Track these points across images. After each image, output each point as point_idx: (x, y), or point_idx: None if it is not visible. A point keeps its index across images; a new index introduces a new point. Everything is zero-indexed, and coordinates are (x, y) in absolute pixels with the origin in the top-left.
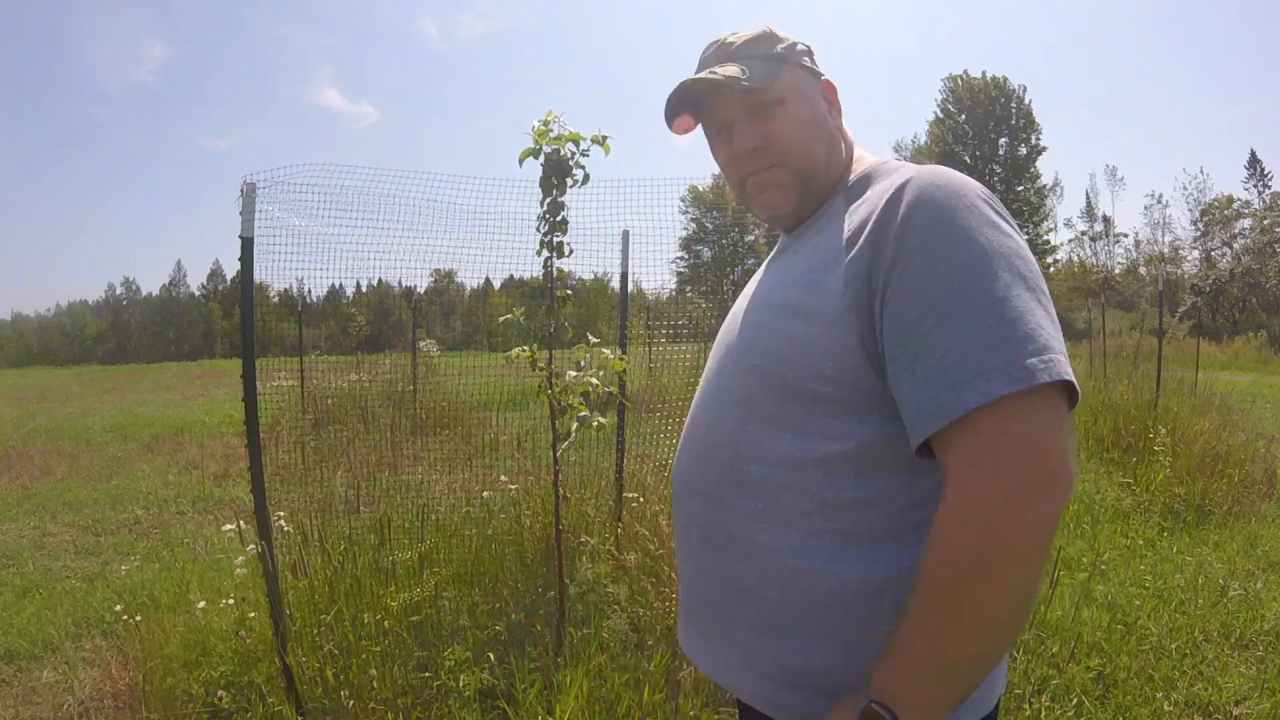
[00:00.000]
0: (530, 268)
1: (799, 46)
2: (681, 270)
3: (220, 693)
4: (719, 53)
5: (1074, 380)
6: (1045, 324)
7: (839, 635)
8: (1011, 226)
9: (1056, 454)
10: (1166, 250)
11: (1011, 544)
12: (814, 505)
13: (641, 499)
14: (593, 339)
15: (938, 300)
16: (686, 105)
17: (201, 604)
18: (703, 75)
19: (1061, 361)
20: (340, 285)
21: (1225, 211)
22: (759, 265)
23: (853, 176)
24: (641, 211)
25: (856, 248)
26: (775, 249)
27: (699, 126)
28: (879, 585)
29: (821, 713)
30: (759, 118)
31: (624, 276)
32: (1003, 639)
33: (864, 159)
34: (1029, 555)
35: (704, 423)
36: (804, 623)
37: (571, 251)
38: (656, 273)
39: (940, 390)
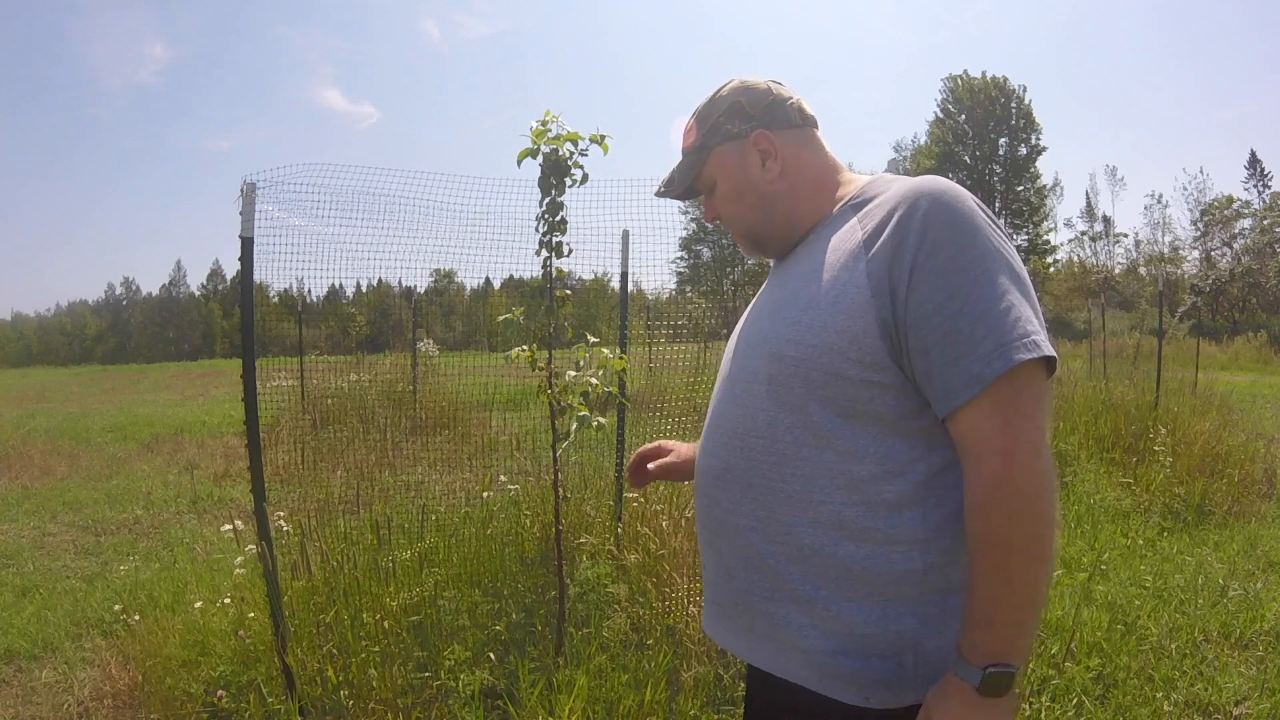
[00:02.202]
0: (530, 268)
1: (726, 113)
2: (681, 270)
3: (220, 692)
4: (682, 144)
5: (1056, 355)
6: (1034, 313)
7: (878, 596)
8: (1000, 230)
9: (1048, 408)
10: (1166, 250)
11: (1045, 484)
12: (846, 481)
13: (642, 499)
14: (592, 339)
15: (958, 288)
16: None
17: (199, 604)
18: (657, 192)
19: (1047, 341)
20: (340, 285)
21: (1225, 211)
22: (759, 265)
23: (852, 192)
24: (641, 211)
25: (878, 244)
26: (774, 266)
27: None
28: (909, 547)
29: (872, 672)
30: (709, 198)
31: (624, 276)
32: (1053, 563)
33: (854, 179)
34: (1055, 489)
35: (733, 417)
36: (846, 589)
37: (571, 251)
38: (656, 273)
39: (971, 362)
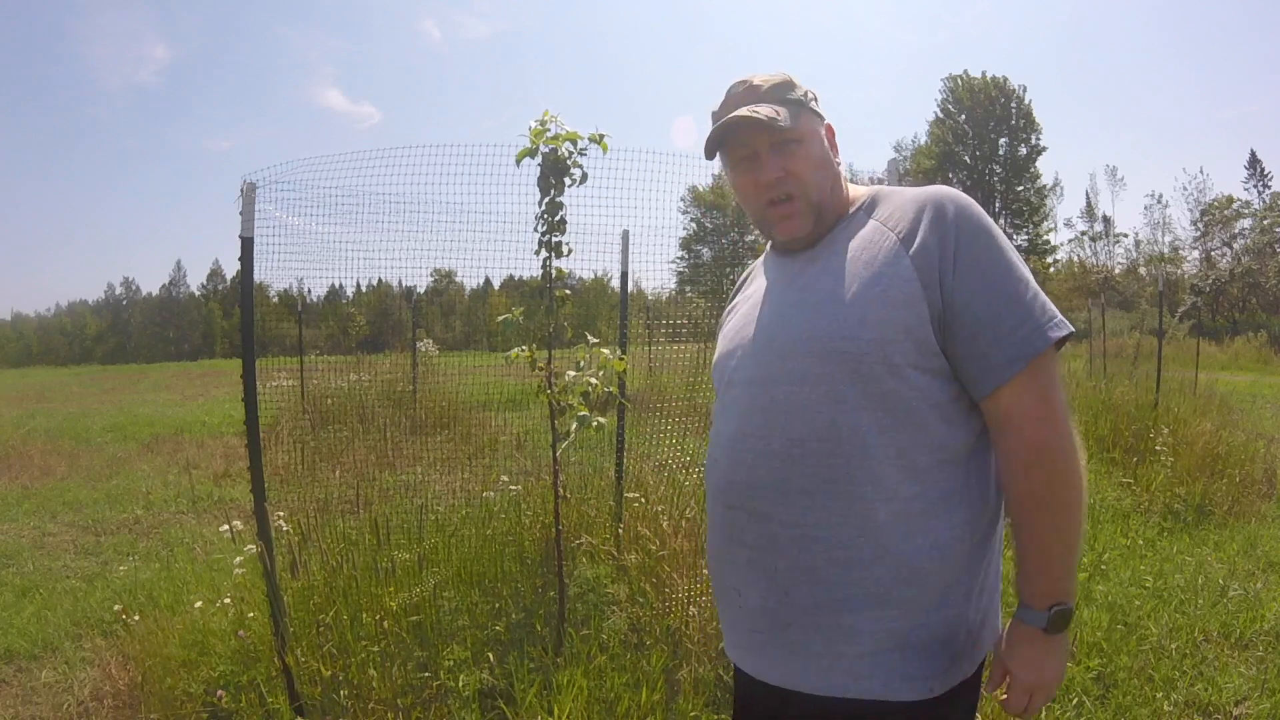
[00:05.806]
0: (530, 268)
1: (809, 94)
2: (681, 270)
3: (219, 692)
4: (747, 94)
5: (1074, 329)
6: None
7: (938, 585)
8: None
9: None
10: (1166, 250)
11: (1074, 443)
12: (912, 473)
13: (642, 499)
14: (592, 339)
15: (994, 279)
16: (728, 136)
17: (198, 604)
18: (749, 114)
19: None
20: (340, 285)
21: (1225, 211)
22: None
23: (864, 198)
24: (641, 211)
25: (918, 241)
26: (777, 268)
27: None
28: (963, 529)
29: (934, 661)
30: (781, 153)
31: (624, 276)
32: (1086, 511)
33: (854, 187)
34: (1080, 446)
35: (781, 425)
36: (914, 585)
37: (570, 251)
38: (656, 273)
39: (1012, 343)
